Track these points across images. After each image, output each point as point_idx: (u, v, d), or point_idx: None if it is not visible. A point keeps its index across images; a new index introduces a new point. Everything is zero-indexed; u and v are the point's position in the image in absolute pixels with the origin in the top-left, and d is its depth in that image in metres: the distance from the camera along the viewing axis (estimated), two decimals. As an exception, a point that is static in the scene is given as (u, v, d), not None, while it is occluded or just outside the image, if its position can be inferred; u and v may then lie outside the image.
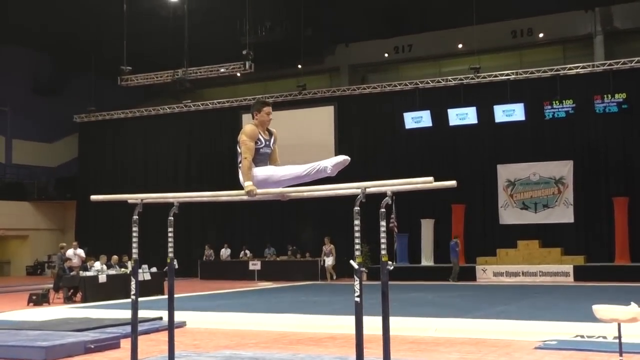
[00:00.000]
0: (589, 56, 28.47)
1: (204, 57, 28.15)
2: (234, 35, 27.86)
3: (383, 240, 6.07)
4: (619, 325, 7.36)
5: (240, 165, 6.70)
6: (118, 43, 26.11)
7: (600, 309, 7.37)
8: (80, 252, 21.67)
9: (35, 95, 35.84)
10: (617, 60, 25.05)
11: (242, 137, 6.59)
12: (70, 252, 20.97)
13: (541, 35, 30.48)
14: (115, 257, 21.59)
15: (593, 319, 7.77)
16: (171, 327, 7.84)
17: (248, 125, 6.61)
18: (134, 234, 7.80)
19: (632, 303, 7.28)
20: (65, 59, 34.75)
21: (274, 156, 6.93)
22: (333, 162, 6.78)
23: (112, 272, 20.28)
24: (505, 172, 26.04)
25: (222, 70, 28.51)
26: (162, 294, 19.64)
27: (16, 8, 29.12)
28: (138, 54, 27.52)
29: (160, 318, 13.02)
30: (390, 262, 6.05)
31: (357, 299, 5.95)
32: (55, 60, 35.44)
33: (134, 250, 7.81)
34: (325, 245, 26.24)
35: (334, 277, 25.90)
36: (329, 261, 26.02)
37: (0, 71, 34.97)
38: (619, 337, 7.43)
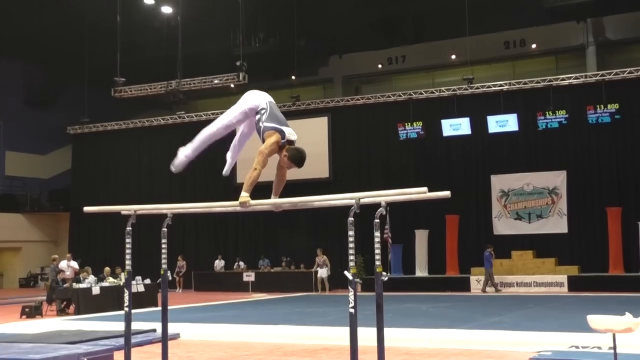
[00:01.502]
0: (581, 67, 28.57)
1: (197, 68, 28.17)
2: (228, 47, 27.88)
3: (377, 251, 6.07)
4: (614, 335, 7.35)
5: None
6: (111, 54, 26.12)
7: (594, 319, 7.37)
8: (74, 264, 21.61)
9: (28, 106, 35.78)
10: (610, 71, 25.13)
11: (262, 148, 6.52)
12: (63, 264, 20.90)
13: (534, 46, 30.57)
14: (108, 269, 21.52)
15: (588, 329, 7.76)
16: (165, 339, 7.82)
17: (273, 138, 6.54)
18: (127, 246, 7.78)
19: (626, 313, 7.27)
20: (58, 70, 34.72)
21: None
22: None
23: (105, 284, 20.22)
24: (499, 182, 26.07)
25: (216, 81, 28.54)
26: (156, 305, 19.56)
27: (8, 19, 29.10)
28: (131, 65, 27.53)
29: (154, 330, 12.98)
30: (384, 273, 6.05)
31: (352, 310, 5.94)
32: (48, 72, 35.40)
33: (127, 262, 7.79)
34: (318, 256, 26.20)
35: (327, 288, 25.82)
36: (323, 272, 25.97)
37: (-6, 83, 35.02)
38: (614, 347, 7.42)
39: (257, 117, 6.73)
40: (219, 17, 27.47)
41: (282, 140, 6.52)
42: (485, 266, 23.75)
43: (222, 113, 24.86)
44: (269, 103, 6.76)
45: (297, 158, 6.56)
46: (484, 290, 23.71)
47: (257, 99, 6.86)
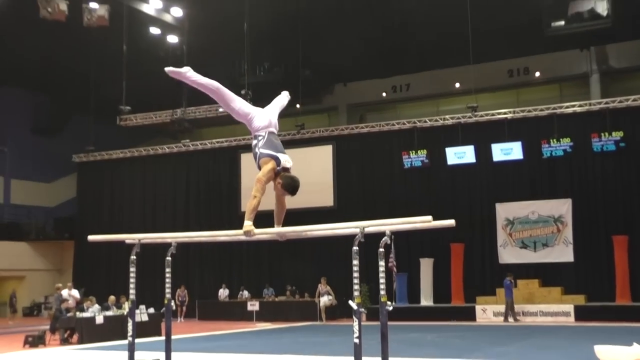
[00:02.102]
0: (585, 95, 28.62)
1: (202, 97, 28.09)
2: (233, 75, 28.00)
3: (382, 281, 6.04)
4: (622, 366, 7.29)
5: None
6: (117, 83, 26.25)
7: (602, 350, 7.31)
8: (75, 292, 21.55)
9: (34, 135, 35.96)
10: (614, 99, 25.15)
11: (259, 175, 6.55)
12: (65, 293, 20.85)
13: (537, 74, 30.65)
14: (112, 298, 21.46)
15: (595, 359, 7.70)
16: (168, 369, 7.77)
17: (269, 165, 6.56)
18: (132, 275, 7.77)
19: (634, 344, 7.22)
20: (64, 98, 34.91)
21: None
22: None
23: (109, 313, 20.15)
24: (504, 210, 26.01)
25: (221, 110, 28.45)
26: (160, 335, 19.48)
27: (15, 49, 29.30)
28: (137, 94, 27.64)
29: (158, 360, 12.93)
30: (389, 303, 6.02)
31: (357, 340, 5.90)
32: (54, 100, 35.60)
33: (131, 291, 7.77)
34: (321, 284, 26.09)
35: (323, 318, 25.62)
36: (323, 300, 25.84)
37: (0, 112, 35.18)
38: (622, 378, 7.36)
39: (254, 142, 6.79)
40: (224, 46, 27.63)
41: (278, 168, 6.54)
42: (506, 295, 23.56)
43: (227, 142, 25.10)
44: (268, 132, 6.79)
45: (290, 187, 6.58)
46: (506, 320, 23.47)
47: (261, 120, 6.94)
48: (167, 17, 26.70)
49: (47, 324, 20.98)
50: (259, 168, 6.67)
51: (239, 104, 7.07)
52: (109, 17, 23.52)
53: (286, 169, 6.67)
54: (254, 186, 6.54)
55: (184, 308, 28.27)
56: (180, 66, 23.71)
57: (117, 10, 24.08)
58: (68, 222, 35.70)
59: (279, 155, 6.66)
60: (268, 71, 30.14)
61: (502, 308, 24.17)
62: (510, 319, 23.40)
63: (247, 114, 7.04)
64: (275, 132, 7.02)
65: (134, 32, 25.74)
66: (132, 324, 7.56)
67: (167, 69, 7.24)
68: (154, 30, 27.77)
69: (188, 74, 7.12)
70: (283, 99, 7.70)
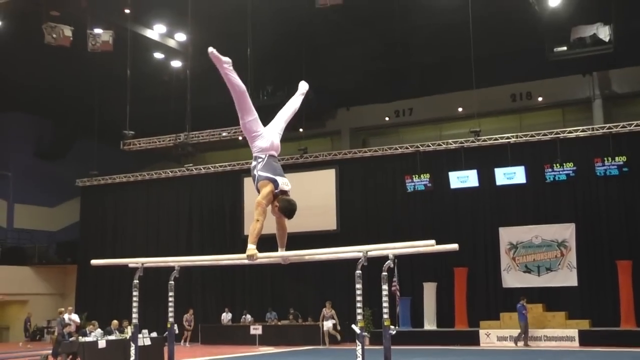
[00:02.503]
0: (588, 119, 28.65)
1: (206, 121, 28.35)
2: (236, 100, 28.08)
3: (385, 304, 6.04)
4: (626, 390, 7.26)
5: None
6: (120, 107, 26.34)
7: (606, 374, 7.28)
8: (75, 317, 21.55)
9: (37, 160, 36.04)
10: (617, 124, 25.18)
11: (258, 199, 6.57)
12: (66, 317, 20.82)
13: (540, 98, 30.71)
14: (115, 322, 21.42)
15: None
16: (171, 393, 7.75)
17: (268, 188, 6.58)
18: (134, 299, 7.76)
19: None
20: (68, 123, 35.06)
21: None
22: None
23: (111, 337, 20.10)
24: (507, 235, 25.96)
25: (224, 134, 28.71)
26: (162, 359, 19.42)
27: (19, 74, 29.46)
28: (140, 118, 27.74)
29: (160, 384, 12.87)
30: (392, 327, 6.02)
31: (360, 365, 5.89)
32: (57, 125, 35.74)
33: (134, 315, 7.76)
34: (325, 309, 26.03)
35: (338, 339, 25.58)
36: (328, 326, 25.77)
37: (3, 136, 35.33)
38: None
39: (254, 163, 6.82)
40: (228, 71, 27.74)
41: (276, 190, 6.55)
42: (520, 319, 23.42)
43: (230, 166, 25.10)
44: (268, 155, 6.81)
45: (287, 210, 6.59)
46: (515, 344, 23.37)
47: (265, 141, 6.97)
48: (171, 42, 26.88)
49: (50, 348, 20.93)
50: (258, 190, 6.69)
51: (252, 119, 7.08)
52: (113, 42, 23.69)
53: (284, 192, 6.68)
54: (255, 210, 6.56)
55: (189, 332, 28.16)
56: (185, 90, 23.81)
57: (121, 36, 24.24)
58: (71, 247, 35.69)
59: (277, 178, 6.67)
60: (271, 95, 30.21)
61: (505, 332, 24.10)
62: (520, 343, 23.27)
63: (254, 131, 7.05)
64: (276, 154, 7.03)
65: (137, 57, 25.87)
66: (134, 348, 7.55)
67: (210, 49, 7.26)
68: (158, 55, 27.95)
69: (226, 65, 7.17)
70: (297, 100, 7.85)
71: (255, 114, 7.10)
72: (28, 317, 31.99)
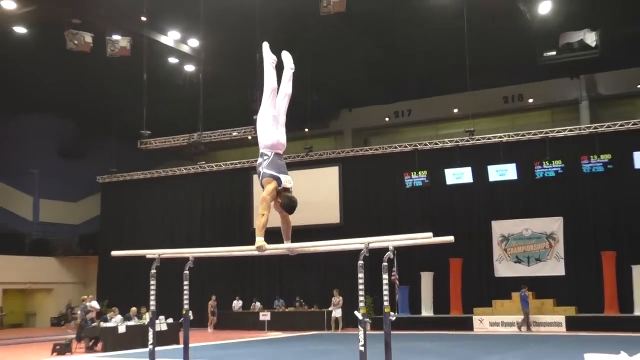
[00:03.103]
0: (575, 120, 28.66)
1: (217, 122, 28.38)
2: (245, 102, 28.09)
3: (386, 292, 6.05)
4: (610, 372, 7.27)
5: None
6: (138, 109, 26.38)
7: (592, 358, 7.29)
8: (94, 304, 21.60)
9: (60, 158, 36.16)
10: (602, 124, 25.16)
11: (263, 194, 6.58)
12: (87, 305, 20.89)
13: (531, 100, 30.71)
14: (133, 309, 21.49)
15: (585, 367, 7.67)
16: (186, 375, 7.77)
17: (272, 185, 6.59)
18: (152, 287, 7.79)
19: (622, 352, 7.20)
20: (88, 124, 35.12)
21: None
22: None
23: (131, 323, 20.17)
24: (499, 227, 25.96)
25: (234, 133, 28.72)
26: (178, 343, 19.48)
27: (43, 78, 29.53)
28: (156, 119, 27.76)
29: (176, 367, 12.91)
30: (392, 313, 6.03)
31: (362, 348, 5.91)
32: (79, 126, 35.81)
33: (152, 302, 7.78)
34: (334, 297, 26.07)
35: (340, 327, 25.63)
36: (337, 312, 25.81)
37: (29, 137, 35.43)
38: (610, 384, 7.34)
39: (260, 160, 6.81)
40: (237, 74, 27.77)
41: (279, 187, 6.56)
42: (523, 306, 23.38)
43: (239, 163, 25.12)
44: (274, 153, 6.79)
45: (288, 206, 6.61)
46: (519, 329, 23.28)
47: (272, 138, 6.92)
48: (185, 48, 26.88)
49: (73, 333, 20.99)
50: (262, 186, 6.70)
51: (270, 115, 7.01)
52: (130, 48, 23.72)
53: (286, 189, 6.69)
54: (260, 205, 6.58)
55: (215, 318, 28.13)
56: (198, 92, 23.74)
57: (138, 42, 24.26)
58: (92, 239, 35.80)
59: (281, 176, 6.67)
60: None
61: (497, 318, 24.12)
62: (523, 329, 23.25)
63: (267, 127, 6.99)
64: (282, 152, 7.01)
65: (153, 61, 25.90)
66: (152, 333, 7.57)
67: (265, 43, 7.24)
68: (172, 60, 27.97)
69: (270, 61, 7.13)
70: (287, 86, 7.28)
71: (274, 112, 7.03)
72: (69, 304, 32.14)
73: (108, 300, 28.09)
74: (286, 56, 7.29)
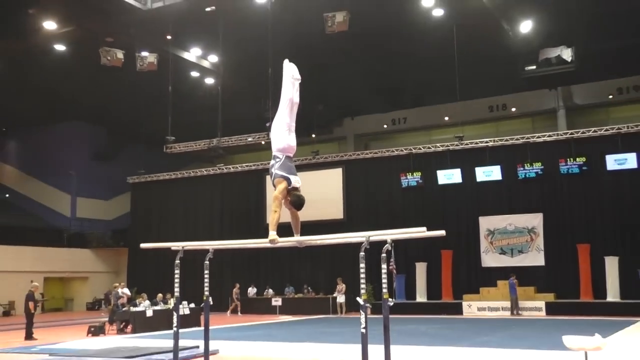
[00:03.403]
0: (553, 127, 28.58)
1: (234, 128, 28.39)
2: (259, 110, 28.13)
3: (384, 281, 6.04)
4: (586, 353, 7.24)
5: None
6: (163, 118, 26.41)
7: (569, 339, 7.26)
8: (126, 291, 21.62)
9: (94, 161, 36.30)
10: (577, 130, 25.09)
11: (275, 193, 6.58)
12: (119, 291, 20.92)
13: (514, 109, 30.65)
14: (160, 295, 21.52)
15: (563, 347, 7.64)
16: (206, 354, 7.77)
17: (283, 185, 6.57)
18: (176, 276, 7.79)
19: (596, 334, 7.17)
20: (119, 131, 35.21)
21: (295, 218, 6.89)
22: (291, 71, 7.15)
23: (157, 307, 20.19)
24: (486, 223, 25.90)
25: (250, 139, 28.70)
26: (199, 326, 19.47)
27: (79, 90, 29.64)
28: (180, 126, 27.79)
29: (197, 347, 12.90)
30: (390, 299, 6.01)
31: (363, 331, 5.90)
32: (110, 133, 35.91)
33: (176, 289, 7.78)
34: (338, 284, 26.05)
35: (344, 311, 25.62)
36: (341, 298, 25.79)
37: (66, 142, 35.66)
38: (586, 363, 7.31)
39: (272, 162, 6.79)
40: (252, 86, 27.78)
41: (289, 187, 6.56)
42: (511, 293, 23.30)
43: (254, 166, 25.06)
44: (285, 156, 6.77)
45: (297, 203, 6.61)
46: (512, 314, 23.15)
47: (284, 142, 6.87)
48: (205, 63, 26.91)
49: (107, 316, 21.04)
50: (274, 186, 6.69)
51: (284, 123, 6.97)
52: (157, 63, 23.77)
53: (296, 189, 6.67)
54: (272, 203, 6.58)
55: (239, 303, 27.85)
56: (217, 103, 23.68)
57: (164, 58, 24.31)
58: (123, 233, 35.86)
59: (291, 177, 6.65)
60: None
61: (484, 304, 24.07)
62: (515, 311, 23.18)
63: (280, 133, 6.95)
64: (292, 155, 6.98)
65: (177, 75, 25.94)
66: (176, 317, 7.57)
67: (286, 60, 7.21)
68: (194, 74, 27.99)
69: (289, 75, 7.11)
70: (288, 90, 7.20)
71: (288, 120, 7.00)
72: (109, 291, 32.25)
73: (137, 288, 28.12)
74: (293, 68, 7.27)
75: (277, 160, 6.80)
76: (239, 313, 27.36)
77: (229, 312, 27.56)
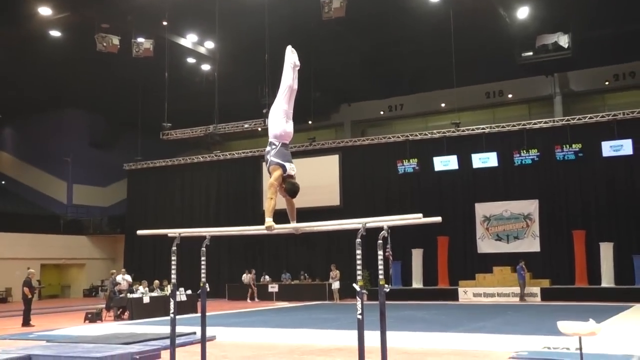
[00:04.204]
0: (549, 113, 28.58)
1: (230, 115, 28.37)
2: (255, 97, 28.10)
3: (380, 267, 6.05)
4: (580, 338, 7.28)
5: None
6: (160, 104, 26.38)
7: (563, 325, 7.29)
8: (128, 277, 21.64)
9: (91, 148, 36.26)
10: (574, 117, 25.10)
11: (271, 180, 6.56)
12: (119, 278, 20.95)
13: (510, 95, 30.62)
14: (156, 282, 21.54)
15: (558, 333, 7.68)
16: (203, 340, 7.80)
17: (278, 172, 6.56)
18: (173, 262, 7.79)
19: (590, 319, 7.21)
20: (116, 118, 35.12)
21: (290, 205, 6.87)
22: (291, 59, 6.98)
23: (154, 294, 20.23)
24: (482, 209, 25.96)
25: (246, 126, 28.74)
26: (196, 312, 19.54)
27: (75, 77, 29.53)
28: (176, 113, 27.76)
29: (194, 333, 12.95)
30: (386, 286, 6.02)
31: (359, 317, 5.92)
32: (107, 119, 35.83)
33: (173, 276, 7.79)
34: (332, 271, 26.10)
35: (337, 298, 25.66)
36: (335, 285, 25.84)
37: (63, 129, 35.57)
38: (580, 348, 7.35)
39: (268, 148, 6.75)
40: (248, 73, 27.73)
41: (284, 174, 6.54)
42: (519, 278, 23.22)
43: (251, 152, 24.97)
44: (281, 143, 6.75)
45: (291, 191, 6.58)
46: (521, 300, 23.01)
47: (281, 129, 6.81)
48: (201, 49, 26.83)
49: (103, 303, 21.09)
50: (269, 173, 6.68)
51: (282, 109, 6.91)
52: (153, 49, 23.68)
53: (291, 176, 6.66)
54: (268, 190, 6.57)
55: (255, 289, 27.58)
56: (213, 89, 23.63)
57: (160, 44, 24.23)
58: (120, 219, 35.86)
59: (286, 164, 6.63)
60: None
61: (480, 290, 24.14)
62: (525, 298, 23.06)
63: (277, 119, 6.90)
64: (288, 142, 6.95)
65: (173, 61, 25.88)
66: (173, 303, 7.58)
67: (289, 47, 7.12)
68: (190, 60, 27.92)
69: (290, 62, 7.03)
70: (288, 76, 7.06)
71: (287, 108, 6.95)
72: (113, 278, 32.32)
73: (134, 274, 28.16)
74: (295, 55, 7.20)
75: (273, 147, 6.78)
76: (256, 299, 27.11)
77: (248, 298, 27.20)
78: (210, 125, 28.08)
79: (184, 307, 19.23)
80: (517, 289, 23.47)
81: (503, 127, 25.98)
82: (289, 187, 6.56)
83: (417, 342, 11.81)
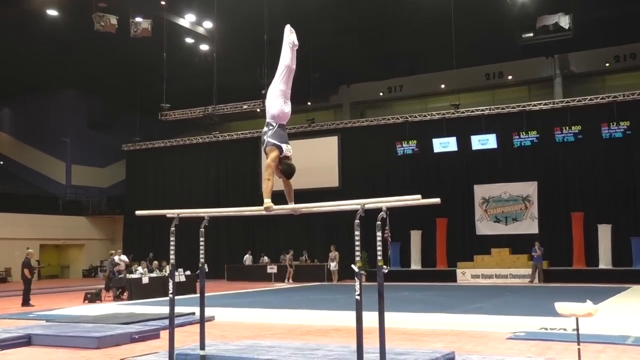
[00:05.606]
0: (549, 95, 28.50)
1: (229, 96, 28.27)
2: (254, 78, 27.99)
3: (379, 248, 6.06)
4: (577, 319, 7.31)
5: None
6: (158, 85, 26.28)
7: (561, 306, 7.32)
8: (124, 257, 21.66)
9: (90, 128, 36.21)
10: (573, 99, 25.06)
11: (267, 161, 6.55)
12: (116, 258, 20.98)
13: (510, 77, 30.52)
14: (155, 262, 21.59)
15: (555, 314, 7.71)
16: (202, 320, 7.82)
17: (274, 153, 6.54)
18: (172, 243, 7.79)
19: (587, 300, 7.23)
20: (114, 98, 35.02)
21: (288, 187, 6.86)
22: (290, 39, 6.89)
23: (153, 274, 20.29)
24: (481, 191, 25.98)
25: (245, 107, 28.65)
26: (195, 293, 19.62)
27: (73, 57, 29.39)
28: (175, 94, 27.67)
29: (193, 313, 13.02)
30: (385, 267, 6.03)
31: (358, 297, 5.93)
32: (106, 100, 35.74)
33: (172, 256, 7.79)
34: (331, 252, 26.16)
35: (335, 279, 25.75)
36: (333, 266, 25.92)
37: (62, 110, 35.47)
38: (577, 329, 7.38)
39: (265, 129, 6.72)
40: (247, 53, 27.60)
41: (280, 155, 6.52)
42: (534, 260, 23.14)
43: (250, 133, 24.97)
44: (278, 124, 6.71)
45: (287, 172, 6.57)
46: (540, 282, 22.85)
47: (279, 109, 6.75)
48: (200, 29, 26.70)
49: (103, 283, 21.14)
50: (265, 153, 6.65)
51: (280, 90, 6.87)
52: (151, 29, 23.54)
53: (287, 157, 6.64)
54: (264, 171, 6.56)
55: (292, 271, 26.75)
56: (212, 69, 23.54)
57: (158, 24, 24.10)
58: (119, 200, 35.91)
59: (282, 145, 6.60)
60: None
61: (478, 271, 24.26)
62: (536, 281, 22.97)
63: (275, 100, 6.85)
64: (285, 123, 6.91)
65: (172, 41, 25.74)
66: (172, 284, 7.59)
67: (287, 26, 7.04)
68: (189, 40, 27.78)
69: (289, 42, 6.95)
70: (287, 56, 6.96)
71: (286, 88, 6.89)
72: (112, 259, 32.38)
73: (133, 255, 28.23)
74: (293, 34, 7.13)
75: (270, 127, 6.75)
76: (291, 280, 26.30)
77: (286, 280, 26.16)
78: (209, 106, 28.00)
79: (183, 288, 19.30)
80: (515, 271, 23.56)
81: (503, 108, 25.94)
82: (285, 168, 6.55)
83: (415, 322, 11.87)
